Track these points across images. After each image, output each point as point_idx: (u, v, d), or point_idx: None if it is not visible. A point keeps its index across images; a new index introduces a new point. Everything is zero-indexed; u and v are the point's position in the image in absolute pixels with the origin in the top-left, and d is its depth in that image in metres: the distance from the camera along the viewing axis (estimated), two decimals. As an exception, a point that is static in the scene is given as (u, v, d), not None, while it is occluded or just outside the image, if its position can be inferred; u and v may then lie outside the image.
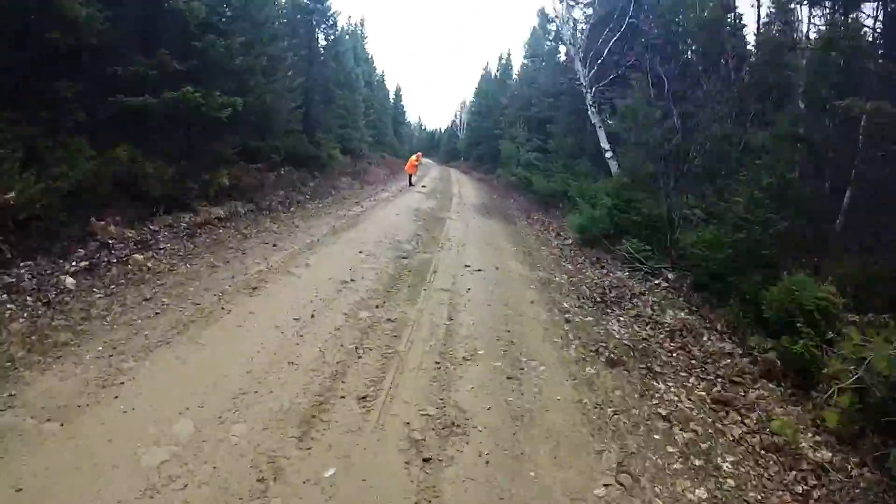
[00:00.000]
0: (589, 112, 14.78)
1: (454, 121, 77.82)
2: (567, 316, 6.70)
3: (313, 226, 10.66)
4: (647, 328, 6.55)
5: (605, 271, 9.24)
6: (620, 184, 11.45)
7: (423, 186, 21.60)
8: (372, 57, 42.23)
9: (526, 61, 31.11)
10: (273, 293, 6.23)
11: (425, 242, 10.09)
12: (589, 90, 14.73)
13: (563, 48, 20.52)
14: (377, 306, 6.19)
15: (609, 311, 7.14)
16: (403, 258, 8.61)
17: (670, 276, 8.35)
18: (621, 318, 6.84)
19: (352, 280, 7.06)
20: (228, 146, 10.17)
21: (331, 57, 21.37)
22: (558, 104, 19.86)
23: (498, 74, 39.73)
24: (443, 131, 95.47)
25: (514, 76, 37.73)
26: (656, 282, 8.36)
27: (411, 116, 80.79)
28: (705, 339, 6.22)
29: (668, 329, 6.45)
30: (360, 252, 8.59)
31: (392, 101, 58.56)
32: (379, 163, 30.84)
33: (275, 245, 8.47)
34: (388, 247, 9.26)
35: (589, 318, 6.72)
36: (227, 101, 8.51)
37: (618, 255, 9.74)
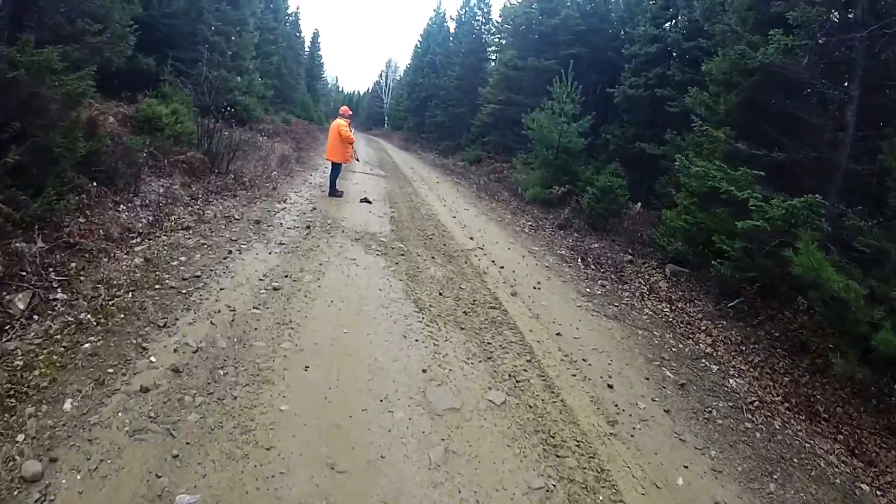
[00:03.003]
0: None
1: (378, 82, 66.20)
2: None
3: None
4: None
5: None
6: None
7: (365, 201, 9.53)
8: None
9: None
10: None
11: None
12: None
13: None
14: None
15: None
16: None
17: None
18: None
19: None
20: None
21: None
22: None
23: (464, 15, 27.52)
24: (362, 94, 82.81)
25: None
26: None
27: (327, 75, 66.46)
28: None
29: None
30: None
31: (308, 49, 44.56)
32: (278, 131, 18.20)
33: None
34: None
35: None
36: None
37: None
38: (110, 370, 3.20)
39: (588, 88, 12.67)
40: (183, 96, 10.56)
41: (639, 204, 10.13)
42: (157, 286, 4.32)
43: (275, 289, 4.57)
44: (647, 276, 7.13)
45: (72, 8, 5.69)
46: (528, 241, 8.26)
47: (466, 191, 13.29)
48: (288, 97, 27.86)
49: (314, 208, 8.25)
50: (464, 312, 4.72)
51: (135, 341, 3.52)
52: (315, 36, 46.97)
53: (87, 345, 3.42)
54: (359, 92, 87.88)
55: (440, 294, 5.08)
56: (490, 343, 4.21)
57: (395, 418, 2.99)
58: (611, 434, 3.35)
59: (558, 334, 4.67)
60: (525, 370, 3.89)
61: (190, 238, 5.64)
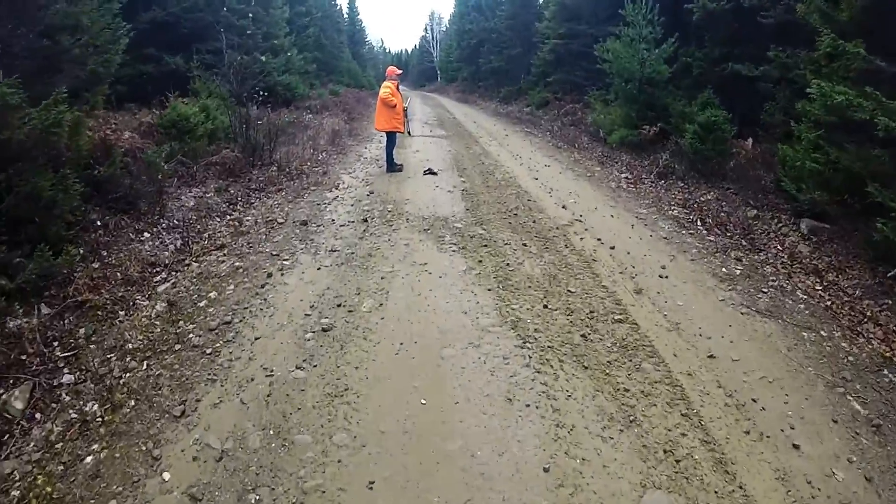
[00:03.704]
0: None
1: (424, 36, 63.74)
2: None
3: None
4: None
5: None
6: None
7: (430, 172, 8.23)
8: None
9: None
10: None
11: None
12: None
13: None
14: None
15: None
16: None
17: None
18: None
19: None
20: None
21: None
22: None
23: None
24: (410, 52, 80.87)
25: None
26: None
27: (371, 39, 64.49)
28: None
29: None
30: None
31: (346, 16, 43.00)
32: (327, 105, 17.12)
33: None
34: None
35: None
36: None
37: None
38: (112, 502, 2.22)
39: (656, 8, 10.55)
40: (213, 89, 9.59)
41: (749, 140, 8.15)
42: (177, 346, 3.31)
43: (324, 330, 3.42)
44: (781, 238, 5.40)
45: (31, 29, 4.59)
46: (630, 202, 6.62)
47: (541, 141, 11.55)
48: (333, 68, 26.66)
49: (371, 192, 7.07)
50: (582, 336, 3.35)
51: (144, 447, 2.52)
52: (351, 1, 45.27)
53: (89, 458, 2.48)
54: (406, 50, 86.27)
55: (545, 307, 3.70)
56: (627, 389, 2.85)
57: None
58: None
59: (711, 356, 3.21)
60: (683, 435, 2.53)
61: (224, 261, 4.63)
